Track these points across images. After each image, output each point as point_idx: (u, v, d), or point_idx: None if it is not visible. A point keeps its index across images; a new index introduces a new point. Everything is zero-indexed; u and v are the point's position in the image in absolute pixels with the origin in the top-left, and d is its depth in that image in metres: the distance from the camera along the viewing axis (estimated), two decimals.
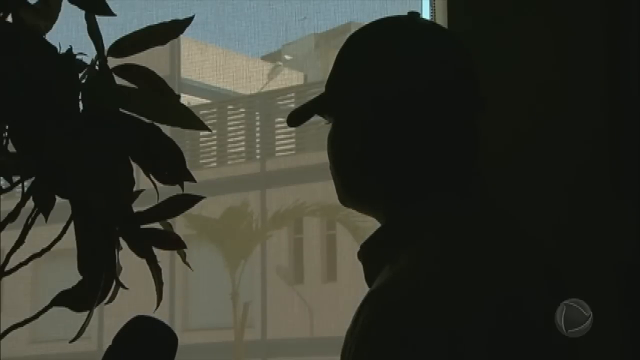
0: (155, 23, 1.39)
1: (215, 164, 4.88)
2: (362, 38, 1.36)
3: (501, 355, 1.16)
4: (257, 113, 4.81)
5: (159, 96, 1.37)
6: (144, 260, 1.36)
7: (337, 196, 1.37)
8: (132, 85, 1.38)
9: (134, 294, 1.41)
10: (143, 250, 1.34)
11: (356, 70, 1.33)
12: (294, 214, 4.98)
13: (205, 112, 4.73)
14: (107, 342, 1.20)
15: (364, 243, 1.33)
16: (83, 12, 1.35)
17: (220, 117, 4.85)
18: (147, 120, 1.29)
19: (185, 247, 1.39)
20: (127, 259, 1.35)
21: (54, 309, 1.30)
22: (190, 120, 1.31)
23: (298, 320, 5.12)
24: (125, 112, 1.29)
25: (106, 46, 1.36)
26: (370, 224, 1.37)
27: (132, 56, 1.38)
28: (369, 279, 1.30)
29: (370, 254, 1.32)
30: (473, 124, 1.32)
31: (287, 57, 4.87)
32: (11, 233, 1.33)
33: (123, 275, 1.33)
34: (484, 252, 1.23)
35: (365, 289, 1.27)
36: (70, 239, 1.29)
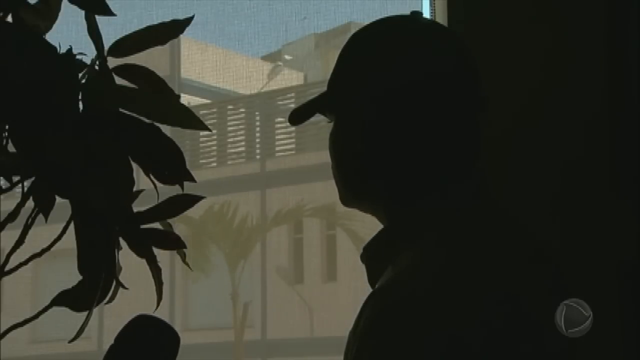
0: (155, 23, 1.39)
1: (215, 164, 4.88)
2: (365, 37, 1.36)
3: (501, 354, 1.16)
4: (257, 113, 4.80)
5: (159, 96, 1.37)
6: (144, 260, 1.35)
7: (339, 195, 1.37)
8: (132, 85, 1.38)
9: (134, 294, 1.41)
10: (143, 250, 1.34)
11: (358, 70, 1.33)
12: (294, 216, 4.98)
13: (205, 112, 4.73)
14: (107, 342, 1.20)
15: (366, 245, 1.33)
16: (83, 12, 1.35)
17: (220, 117, 4.84)
18: (147, 120, 1.29)
19: (185, 247, 1.39)
20: (127, 259, 1.35)
21: (54, 309, 1.30)
22: (190, 120, 1.31)
23: (298, 320, 5.12)
24: (125, 112, 1.29)
25: (106, 46, 1.36)
26: (369, 231, 1.37)
27: (132, 56, 1.38)
28: (372, 280, 1.30)
29: (373, 255, 1.32)
30: (475, 123, 1.32)
31: (287, 57, 4.87)
32: (11, 233, 1.33)
33: (123, 275, 1.33)
34: (485, 252, 1.23)
35: (365, 289, 1.27)
36: (70, 239, 1.29)
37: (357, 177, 1.34)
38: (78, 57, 1.30)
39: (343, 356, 1.24)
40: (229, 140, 4.88)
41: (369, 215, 1.38)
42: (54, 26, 1.38)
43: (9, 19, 1.32)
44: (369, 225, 1.40)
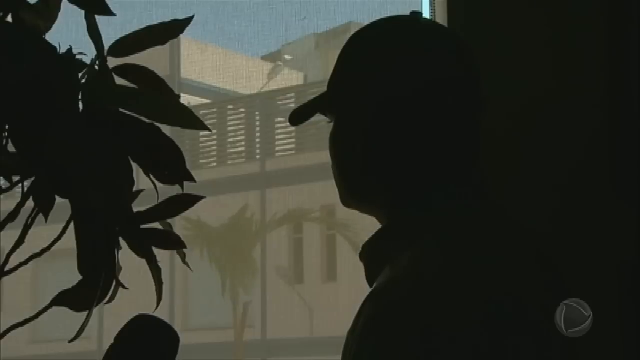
0: (155, 23, 1.39)
1: (215, 164, 4.88)
2: (365, 37, 1.36)
3: (501, 355, 1.16)
4: (257, 113, 4.81)
5: (159, 96, 1.37)
6: (144, 260, 1.35)
7: (339, 196, 1.37)
8: (132, 85, 1.38)
9: (134, 294, 1.41)
10: (143, 250, 1.34)
11: (358, 70, 1.33)
12: (294, 218, 4.99)
13: (205, 112, 4.74)
14: (107, 342, 1.20)
15: (365, 243, 1.33)
16: (83, 12, 1.35)
17: (220, 117, 4.85)
18: (147, 120, 1.29)
19: (185, 247, 1.39)
20: (127, 259, 1.35)
21: (54, 309, 1.30)
22: (190, 120, 1.31)
23: (298, 320, 5.12)
24: (125, 112, 1.29)
25: (106, 46, 1.36)
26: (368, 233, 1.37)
27: (132, 56, 1.38)
28: (371, 280, 1.30)
29: (372, 255, 1.32)
30: (475, 124, 1.32)
31: (287, 57, 4.87)
32: (11, 233, 1.33)
33: (123, 275, 1.33)
34: (484, 252, 1.23)
35: (365, 289, 1.27)
36: (70, 239, 1.29)
37: (357, 177, 1.34)
38: (78, 57, 1.30)
39: (342, 356, 1.24)
40: (229, 140, 4.89)
41: (368, 217, 1.38)
42: (54, 26, 1.38)
43: (9, 19, 1.32)
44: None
